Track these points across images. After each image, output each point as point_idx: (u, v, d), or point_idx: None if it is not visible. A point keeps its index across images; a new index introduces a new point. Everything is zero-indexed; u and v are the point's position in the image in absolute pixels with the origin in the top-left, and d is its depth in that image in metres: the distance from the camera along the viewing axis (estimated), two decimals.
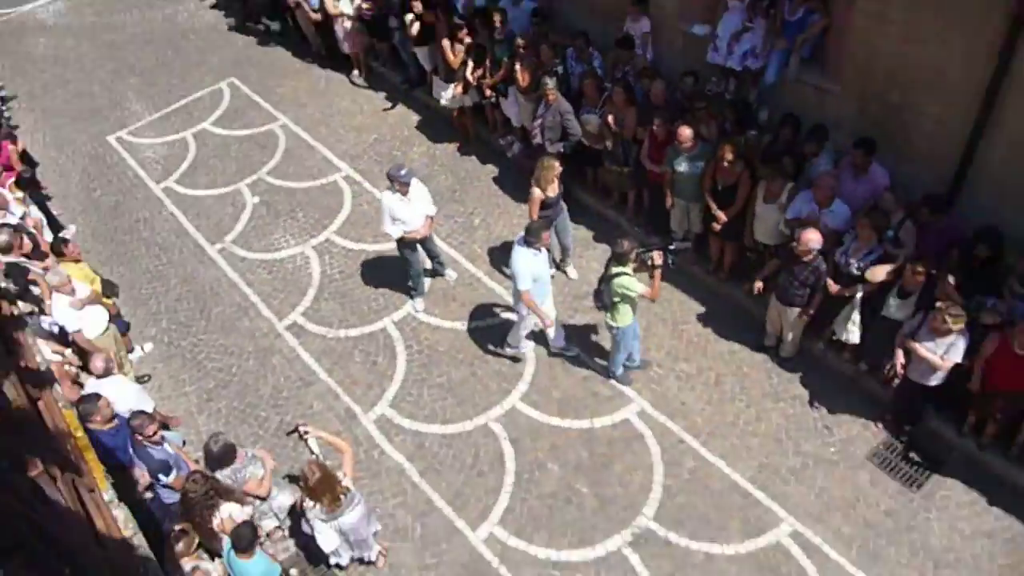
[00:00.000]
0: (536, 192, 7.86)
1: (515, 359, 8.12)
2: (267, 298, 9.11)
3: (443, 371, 8.14)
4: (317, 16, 12.15)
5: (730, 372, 7.88)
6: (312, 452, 6.24)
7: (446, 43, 10.08)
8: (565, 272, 8.97)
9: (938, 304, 6.22)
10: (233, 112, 12.19)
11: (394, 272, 9.18)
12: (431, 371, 8.16)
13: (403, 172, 7.70)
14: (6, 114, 12.13)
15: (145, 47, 14.12)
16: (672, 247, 7.33)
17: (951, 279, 6.43)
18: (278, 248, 9.75)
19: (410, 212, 7.96)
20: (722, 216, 7.85)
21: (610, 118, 8.50)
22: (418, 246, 8.39)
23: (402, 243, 8.23)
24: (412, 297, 8.80)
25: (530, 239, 7.03)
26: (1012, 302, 6.34)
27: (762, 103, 8.43)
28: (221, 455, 5.98)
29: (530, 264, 7.08)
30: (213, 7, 15.06)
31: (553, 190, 7.94)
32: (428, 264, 8.90)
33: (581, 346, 8.19)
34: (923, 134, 7.24)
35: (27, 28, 15.20)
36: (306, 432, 6.13)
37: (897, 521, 6.66)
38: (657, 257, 6.77)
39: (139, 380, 8.16)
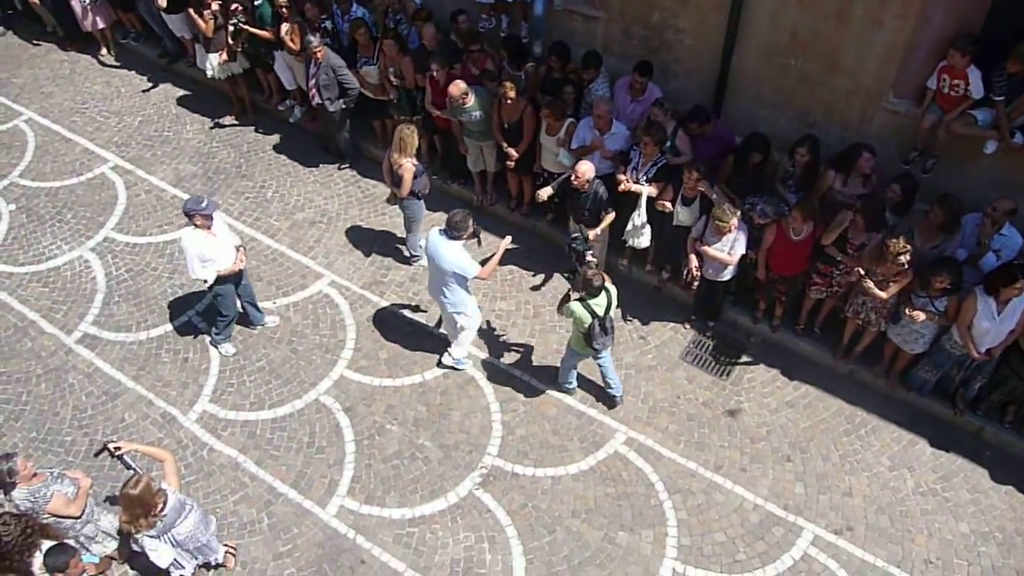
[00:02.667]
0: (408, 164, 7.43)
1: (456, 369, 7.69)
2: (48, 313, 8.22)
3: (261, 354, 7.79)
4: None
5: (545, 302, 8.15)
6: (129, 467, 5.79)
7: (192, 12, 9.35)
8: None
9: (716, 207, 6.74)
10: None
11: None
12: (249, 357, 7.78)
13: (204, 204, 6.67)
14: None
15: None
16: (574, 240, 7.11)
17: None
18: (50, 256, 8.78)
19: (219, 248, 6.95)
20: (513, 153, 7.98)
21: (389, 71, 8.31)
22: (232, 286, 7.39)
23: (216, 283, 7.14)
24: (217, 344, 7.77)
25: (455, 232, 6.55)
26: (779, 199, 7.02)
27: (535, 36, 8.57)
28: (3, 473, 5.34)
29: (466, 253, 6.67)
30: None
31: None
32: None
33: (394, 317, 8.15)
34: (684, 49, 7.69)
35: None
36: (117, 448, 5.67)
37: (714, 409, 7.28)
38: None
39: None
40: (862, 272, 6.44)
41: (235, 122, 10.31)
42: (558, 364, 7.55)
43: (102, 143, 10.12)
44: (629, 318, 7.98)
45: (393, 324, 8.00)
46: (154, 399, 7.46)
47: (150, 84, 11.03)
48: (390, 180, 7.76)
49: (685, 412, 7.27)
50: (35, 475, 5.51)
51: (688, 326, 7.92)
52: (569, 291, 6.36)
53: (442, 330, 7.86)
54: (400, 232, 8.55)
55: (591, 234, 7.38)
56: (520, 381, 7.51)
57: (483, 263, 6.84)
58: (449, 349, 7.61)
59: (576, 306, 6.27)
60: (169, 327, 8.05)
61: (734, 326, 7.82)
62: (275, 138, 10.09)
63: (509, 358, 7.68)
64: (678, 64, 7.82)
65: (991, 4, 6.20)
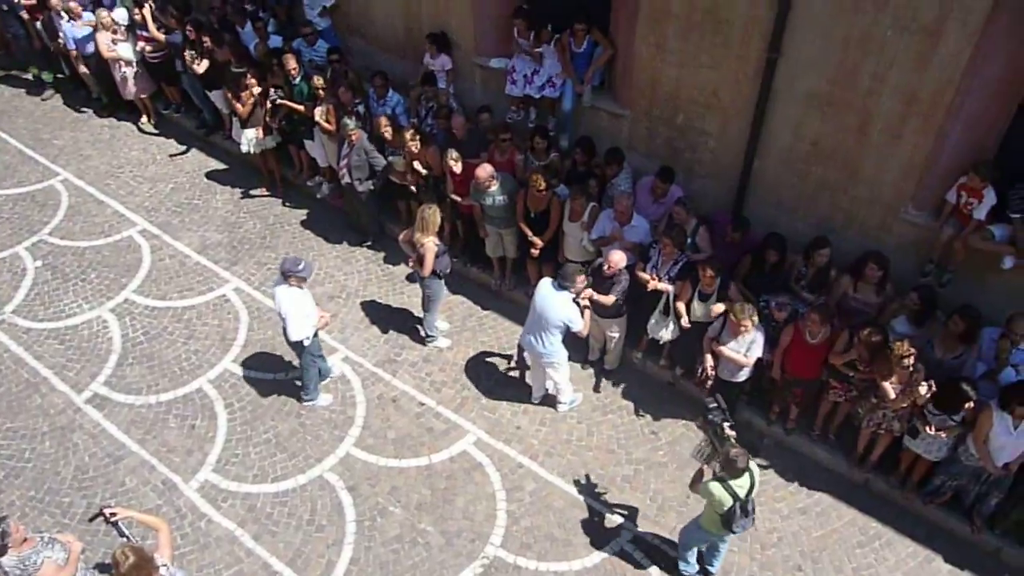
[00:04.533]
0: (430, 243, 7.57)
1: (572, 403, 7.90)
2: (61, 371, 8.25)
3: (269, 426, 7.74)
4: (84, 68, 11.36)
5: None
6: (123, 535, 5.68)
7: (228, 94, 9.73)
8: None
9: (725, 304, 6.78)
10: (3, 169, 11.03)
11: (206, 328, 8.66)
12: (256, 427, 7.72)
13: (300, 266, 6.97)
14: None
15: None
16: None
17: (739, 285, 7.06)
18: (70, 314, 8.88)
19: (311, 305, 7.29)
20: (539, 242, 8.10)
21: (416, 164, 8.56)
22: (319, 340, 7.61)
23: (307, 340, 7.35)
24: (312, 400, 7.85)
25: (566, 283, 6.88)
26: (795, 299, 7.05)
27: (561, 130, 8.82)
28: None
29: (575, 306, 6.99)
30: None
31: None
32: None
33: (416, 379, 8.13)
34: (707, 151, 7.87)
35: None
36: (112, 514, 5.58)
37: None
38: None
39: None
40: (879, 380, 6.40)
41: (264, 194, 10.55)
42: (567, 454, 7.45)
43: (133, 207, 10.36)
44: (641, 412, 7.90)
45: (403, 404, 7.95)
46: (157, 465, 7.39)
47: (184, 150, 11.36)
48: (413, 257, 7.87)
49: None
50: (26, 540, 5.39)
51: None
52: (703, 466, 5.98)
53: (528, 380, 7.92)
54: (418, 311, 8.59)
55: (607, 300, 7.37)
56: (528, 471, 7.39)
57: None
58: (559, 399, 7.74)
59: (716, 487, 5.69)
60: (179, 392, 8.04)
61: (747, 426, 7.71)
62: (301, 212, 10.29)
63: (519, 446, 7.59)
64: (701, 165, 8.00)
65: (1010, 122, 6.36)
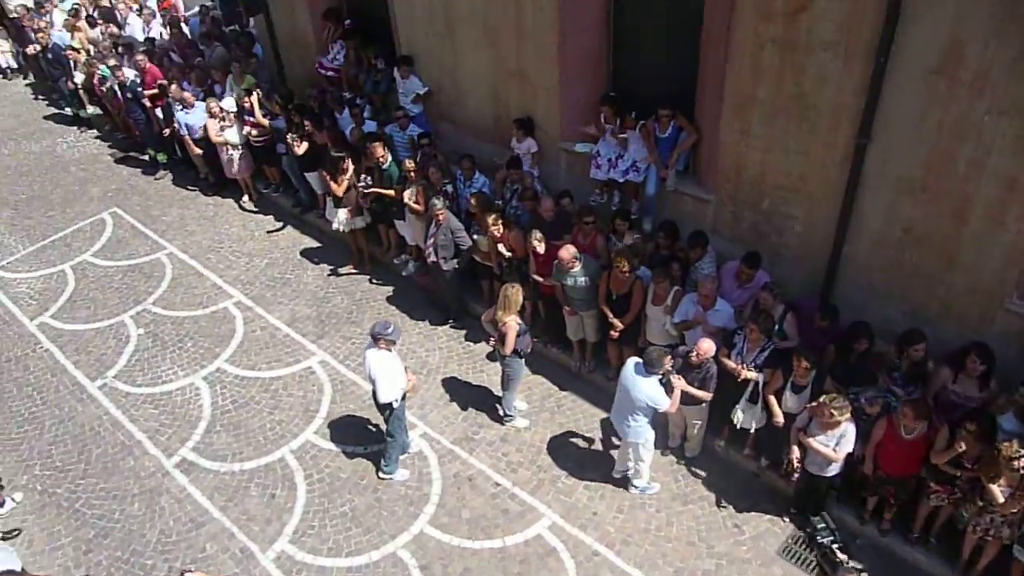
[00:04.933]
0: (512, 322, 7.66)
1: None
2: (154, 435, 8.57)
3: (346, 499, 7.78)
4: (198, 150, 12.15)
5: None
6: None
7: (326, 174, 10.22)
8: None
9: (821, 399, 6.49)
10: (116, 242, 11.80)
11: (291, 399, 8.89)
12: (333, 500, 7.78)
13: (390, 330, 7.25)
14: None
15: (20, 180, 13.63)
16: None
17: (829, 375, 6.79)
18: (166, 381, 9.27)
19: (400, 369, 7.49)
20: (619, 324, 8.05)
21: (500, 246, 8.72)
22: (405, 406, 7.83)
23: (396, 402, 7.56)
24: (391, 473, 7.92)
25: (652, 368, 6.86)
26: (886, 391, 6.71)
27: (644, 213, 8.86)
28: None
29: (660, 387, 6.96)
30: (97, 138, 14.80)
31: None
32: None
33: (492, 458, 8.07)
34: (794, 235, 7.74)
35: None
36: None
37: None
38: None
39: (5, 537, 7.40)
40: (985, 481, 5.98)
41: (352, 271, 10.90)
42: (645, 544, 7.19)
43: (230, 280, 10.86)
44: (723, 504, 7.58)
45: (479, 483, 7.88)
46: (236, 532, 7.50)
47: (280, 227, 11.91)
48: (494, 335, 7.94)
49: None
50: None
51: (788, 519, 7.43)
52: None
53: (618, 469, 7.79)
54: (497, 390, 8.60)
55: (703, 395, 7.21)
56: (604, 559, 7.15)
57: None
58: (633, 482, 7.62)
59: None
60: (262, 461, 8.21)
61: (839, 525, 7.27)
62: (387, 289, 10.56)
63: (595, 533, 7.37)
64: (787, 249, 7.86)
65: None
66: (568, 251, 7.94)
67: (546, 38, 8.66)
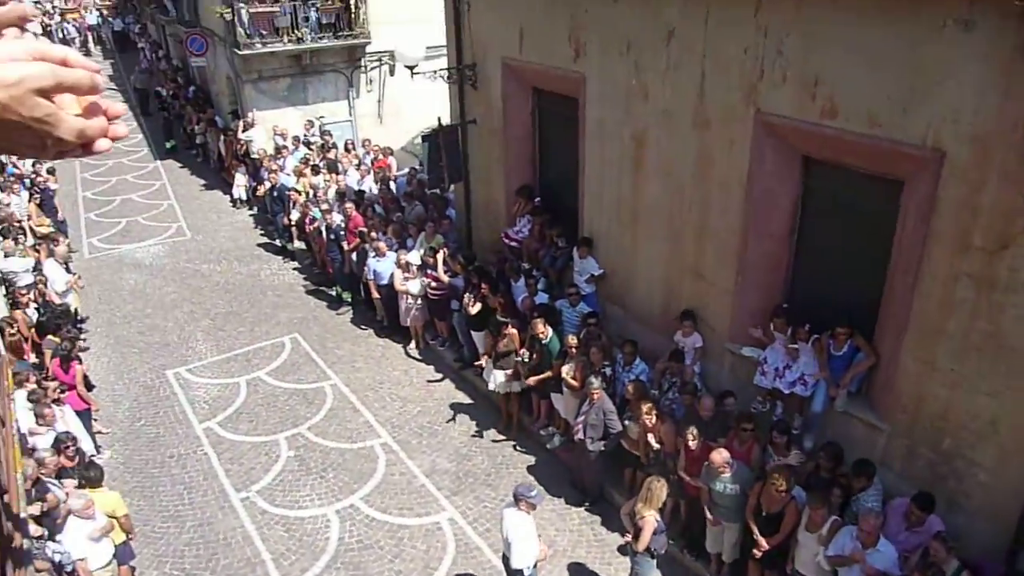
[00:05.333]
0: (651, 517, 7.41)
1: None
2: (278, 557, 8.71)
3: None
4: (377, 295, 13.06)
5: None
6: None
7: (491, 338, 10.58)
8: None
9: None
10: (289, 365, 12.65)
11: (413, 551, 8.82)
12: None
13: (533, 493, 7.34)
14: (81, 336, 12.78)
15: (224, 295, 15.15)
16: None
17: None
18: (302, 506, 9.52)
19: (535, 534, 7.49)
20: (765, 544, 7.48)
21: (650, 437, 8.55)
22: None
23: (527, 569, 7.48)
24: None
25: None
26: None
27: (807, 429, 8.40)
28: None
29: None
30: (296, 269, 16.31)
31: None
32: None
33: None
34: (977, 484, 7.02)
35: (124, 264, 16.58)
36: None
37: None
38: None
39: None
40: None
41: (498, 434, 10.97)
42: None
43: (382, 420, 11.23)
44: None
45: None
46: None
47: (439, 378, 12.31)
48: (630, 529, 7.59)
49: None
50: None
51: None
52: None
53: None
54: None
55: None
56: None
57: None
58: None
59: None
60: None
61: None
62: (529, 458, 10.49)
63: None
64: (968, 499, 7.11)
65: None
66: (721, 455, 7.62)
67: (727, 240, 8.79)
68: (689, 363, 9.40)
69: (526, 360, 10.13)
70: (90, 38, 39.74)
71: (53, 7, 41.85)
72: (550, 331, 10.04)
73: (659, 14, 8.79)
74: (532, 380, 10.11)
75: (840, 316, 7.93)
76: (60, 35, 37.18)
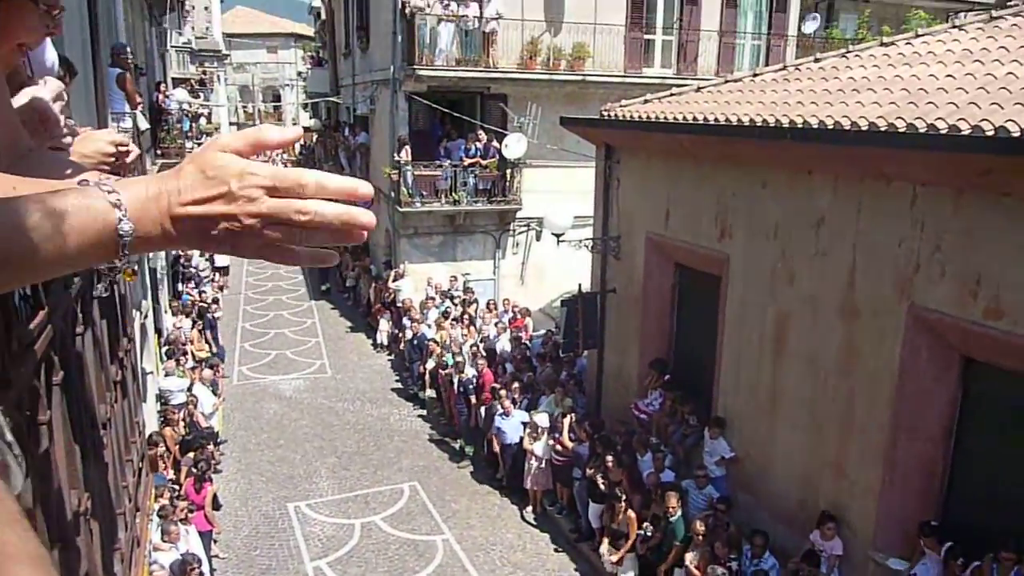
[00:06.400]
0: None
1: None
2: None
3: None
4: (500, 453, 12.99)
5: None
6: None
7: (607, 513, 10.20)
8: None
9: None
10: (405, 513, 12.58)
11: None
12: None
13: None
14: (216, 456, 13.37)
15: (353, 434, 15.52)
16: None
17: None
18: None
19: None
20: None
21: None
22: None
23: None
24: None
25: None
26: None
27: None
28: None
29: None
30: (421, 416, 16.57)
31: None
32: None
33: None
34: None
35: (267, 393, 17.46)
36: None
37: None
38: None
39: None
40: None
41: None
42: None
43: None
44: None
45: None
46: None
47: (553, 549, 11.84)
48: None
49: None
50: None
51: None
52: None
53: None
54: None
55: None
56: None
57: None
58: None
59: None
60: None
61: None
62: None
63: None
64: None
65: None
66: None
67: (874, 436, 8.22)
68: (825, 571, 8.58)
69: (649, 535, 9.60)
70: None
71: None
72: (679, 509, 9.55)
73: (809, 200, 8.81)
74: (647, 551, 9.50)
75: (1002, 536, 7.08)
76: None
